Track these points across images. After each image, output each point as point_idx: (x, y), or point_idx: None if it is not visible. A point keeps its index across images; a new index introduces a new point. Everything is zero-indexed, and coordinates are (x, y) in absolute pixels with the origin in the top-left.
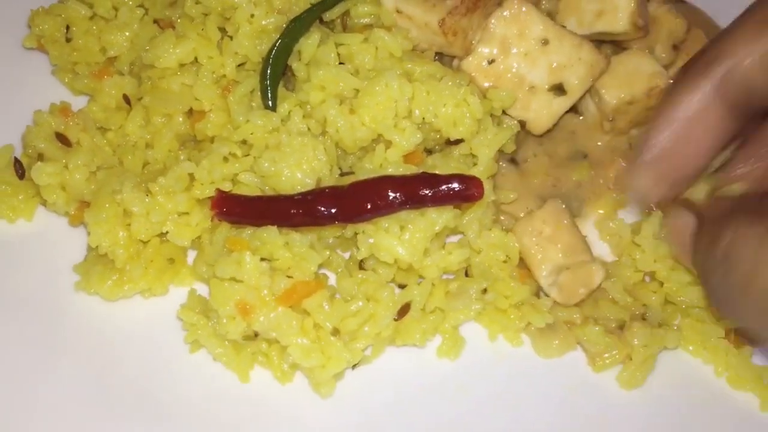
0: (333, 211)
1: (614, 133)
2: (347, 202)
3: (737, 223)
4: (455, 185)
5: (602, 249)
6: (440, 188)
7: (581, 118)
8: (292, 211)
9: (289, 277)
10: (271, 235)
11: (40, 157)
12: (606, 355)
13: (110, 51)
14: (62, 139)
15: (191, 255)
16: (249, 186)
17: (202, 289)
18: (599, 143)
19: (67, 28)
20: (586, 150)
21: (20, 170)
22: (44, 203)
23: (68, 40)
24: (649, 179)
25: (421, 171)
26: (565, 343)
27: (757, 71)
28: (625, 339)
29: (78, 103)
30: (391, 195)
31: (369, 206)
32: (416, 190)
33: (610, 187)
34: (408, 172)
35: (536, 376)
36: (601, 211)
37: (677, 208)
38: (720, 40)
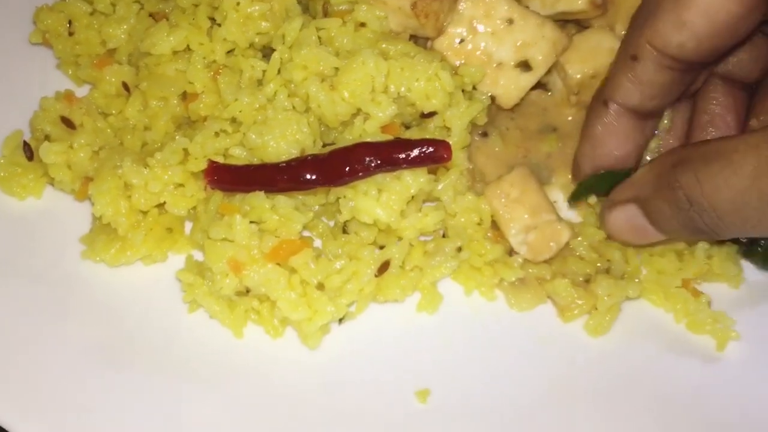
0: (315, 176)
1: (580, 106)
2: (328, 167)
3: (689, 168)
4: (425, 148)
5: (570, 212)
6: (412, 151)
7: (549, 94)
8: (278, 177)
9: (276, 237)
10: (258, 199)
11: (47, 138)
12: (574, 306)
13: (110, 43)
14: (67, 122)
15: (188, 228)
16: (239, 159)
17: (198, 256)
18: (568, 118)
19: (70, 23)
20: (555, 124)
21: (29, 152)
22: (51, 182)
23: (71, 34)
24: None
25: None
26: (536, 297)
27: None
28: (591, 291)
29: (81, 93)
30: (367, 159)
31: (347, 170)
32: (390, 154)
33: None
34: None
35: (509, 327)
36: (569, 177)
37: (616, 207)
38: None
